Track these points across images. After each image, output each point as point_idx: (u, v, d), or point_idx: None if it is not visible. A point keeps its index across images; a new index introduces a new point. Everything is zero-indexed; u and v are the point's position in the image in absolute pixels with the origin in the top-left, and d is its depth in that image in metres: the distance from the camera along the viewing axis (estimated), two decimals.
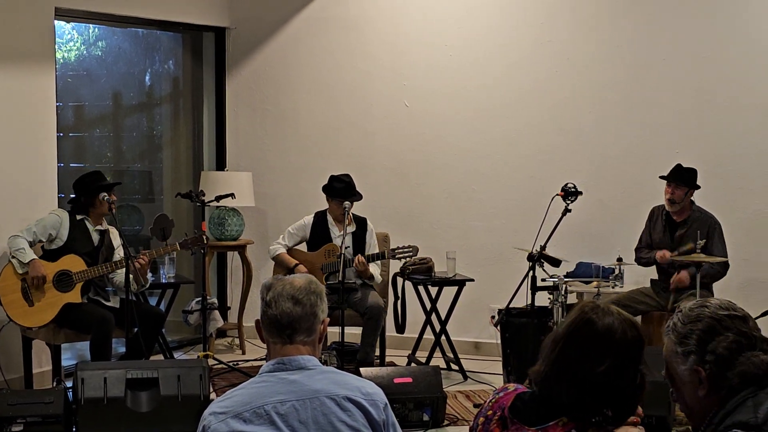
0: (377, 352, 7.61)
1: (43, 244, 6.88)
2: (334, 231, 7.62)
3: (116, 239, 7.04)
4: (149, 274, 7.04)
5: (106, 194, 6.75)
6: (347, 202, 7.40)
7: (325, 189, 7.66)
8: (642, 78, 8.14)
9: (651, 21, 8.11)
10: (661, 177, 7.25)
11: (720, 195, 7.74)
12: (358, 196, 7.60)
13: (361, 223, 7.73)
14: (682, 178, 7.19)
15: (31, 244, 6.78)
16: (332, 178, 7.67)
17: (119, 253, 6.98)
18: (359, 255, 7.47)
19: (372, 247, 7.72)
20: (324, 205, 7.78)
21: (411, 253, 7.46)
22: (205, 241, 7.23)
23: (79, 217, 6.95)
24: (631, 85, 8.17)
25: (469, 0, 8.49)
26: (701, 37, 7.97)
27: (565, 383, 2.61)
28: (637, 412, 2.73)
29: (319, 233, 7.71)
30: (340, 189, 7.56)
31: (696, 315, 2.60)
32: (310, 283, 3.01)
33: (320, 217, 7.74)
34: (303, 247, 7.81)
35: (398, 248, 7.47)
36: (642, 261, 7.48)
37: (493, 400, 2.78)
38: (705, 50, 7.96)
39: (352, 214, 7.68)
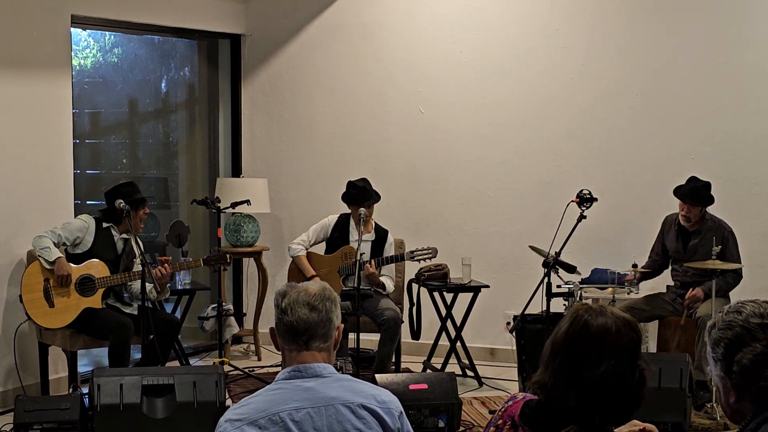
0: (392, 359, 7.61)
1: (67, 247, 6.90)
2: (354, 235, 7.62)
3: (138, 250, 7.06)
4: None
5: (122, 201, 6.77)
6: (362, 209, 7.41)
7: (342, 197, 7.69)
8: (656, 85, 8.13)
9: (665, 28, 8.10)
10: (676, 195, 7.17)
11: (734, 201, 7.72)
12: (375, 199, 7.62)
13: (382, 233, 7.74)
14: (698, 198, 7.09)
15: (55, 246, 6.79)
16: (348, 184, 7.68)
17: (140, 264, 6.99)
18: (371, 261, 7.47)
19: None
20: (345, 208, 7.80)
21: (430, 255, 7.46)
22: (229, 260, 7.23)
23: (105, 225, 6.97)
24: (646, 92, 8.16)
25: (484, 6, 8.50)
26: (715, 44, 7.95)
27: (573, 389, 2.62)
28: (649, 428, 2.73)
29: (338, 235, 7.73)
30: (354, 195, 7.58)
31: (728, 322, 2.51)
32: (324, 290, 3.01)
33: (343, 219, 7.76)
34: (321, 247, 7.85)
35: (417, 250, 7.48)
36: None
37: (503, 410, 2.80)
38: (719, 57, 7.94)
39: (376, 222, 7.71)
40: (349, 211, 7.71)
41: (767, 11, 7.88)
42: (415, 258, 7.50)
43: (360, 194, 7.58)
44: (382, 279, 7.60)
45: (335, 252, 7.70)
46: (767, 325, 2.48)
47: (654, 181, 8.05)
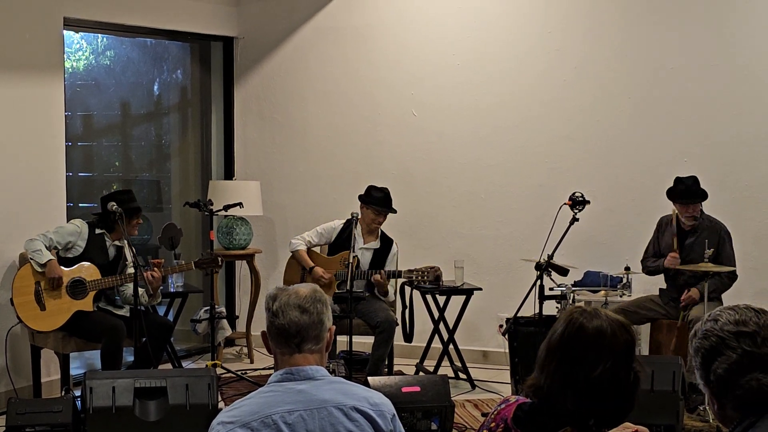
0: (386, 362, 7.60)
1: (59, 251, 6.89)
2: (359, 242, 7.62)
3: (130, 254, 7.04)
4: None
5: (114, 203, 6.76)
6: (355, 212, 7.43)
7: (361, 197, 7.69)
8: (650, 87, 8.13)
9: (659, 30, 8.10)
10: (673, 198, 7.15)
11: (729, 203, 7.72)
12: (392, 210, 7.65)
13: (386, 242, 7.74)
14: (697, 195, 7.09)
15: (47, 249, 6.77)
16: (371, 187, 7.71)
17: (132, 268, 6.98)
18: (381, 271, 7.46)
19: (392, 266, 7.73)
20: (343, 213, 7.79)
21: (426, 277, 7.44)
22: (220, 263, 7.24)
23: (98, 231, 6.96)
24: (640, 94, 8.16)
25: (477, 9, 8.50)
26: (710, 46, 7.96)
27: (569, 390, 2.62)
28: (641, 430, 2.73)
29: (343, 239, 7.71)
30: (377, 198, 7.59)
31: (705, 331, 2.49)
32: (315, 292, 3.02)
33: (349, 225, 7.74)
34: (324, 250, 7.86)
35: (416, 271, 7.45)
36: (650, 269, 7.45)
37: (496, 413, 2.79)
38: (714, 59, 7.95)
39: (383, 231, 7.72)
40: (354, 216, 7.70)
41: (763, 14, 7.89)
42: (413, 280, 7.50)
43: (384, 198, 7.61)
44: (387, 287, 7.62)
45: (335, 256, 7.69)
46: (742, 332, 2.46)
47: (650, 182, 8.03)
